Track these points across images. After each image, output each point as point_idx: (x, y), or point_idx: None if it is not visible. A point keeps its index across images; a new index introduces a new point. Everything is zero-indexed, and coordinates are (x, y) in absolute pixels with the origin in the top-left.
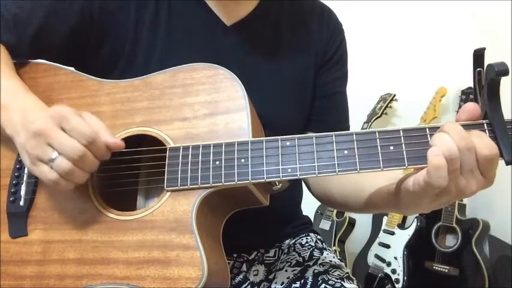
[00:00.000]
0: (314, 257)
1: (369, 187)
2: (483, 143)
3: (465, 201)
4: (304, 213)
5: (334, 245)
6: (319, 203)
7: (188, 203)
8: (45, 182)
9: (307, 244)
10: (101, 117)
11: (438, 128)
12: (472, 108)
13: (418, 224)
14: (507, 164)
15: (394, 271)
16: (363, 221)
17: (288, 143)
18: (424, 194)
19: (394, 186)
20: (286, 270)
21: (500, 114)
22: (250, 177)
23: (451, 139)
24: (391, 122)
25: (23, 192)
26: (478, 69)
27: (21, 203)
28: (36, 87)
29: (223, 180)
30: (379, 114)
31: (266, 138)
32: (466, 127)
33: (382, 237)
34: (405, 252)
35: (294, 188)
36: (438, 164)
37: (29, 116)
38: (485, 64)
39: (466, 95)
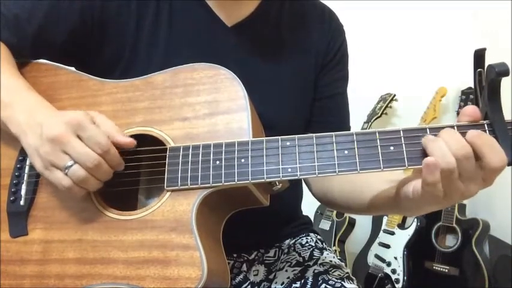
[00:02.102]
0: (314, 257)
1: (369, 191)
2: (495, 154)
3: (465, 201)
4: (304, 213)
5: (334, 245)
6: (319, 203)
7: (188, 202)
8: (59, 188)
9: (307, 244)
10: None
11: (439, 128)
12: (472, 111)
13: (418, 224)
14: (508, 165)
15: (394, 271)
16: (363, 221)
17: (288, 143)
18: (425, 200)
19: (394, 190)
20: (286, 270)
21: (501, 115)
22: (250, 177)
23: (447, 149)
24: (391, 122)
25: (23, 192)
26: (479, 69)
27: (22, 202)
28: (37, 87)
29: (223, 180)
30: (379, 114)
31: (266, 138)
32: (467, 128)
33: (382, 237)
34: (405, 252)
35: (294, 188)
36: (433, 180)
37: (36, 117)
38: (486, 64)
39: (466, 95)
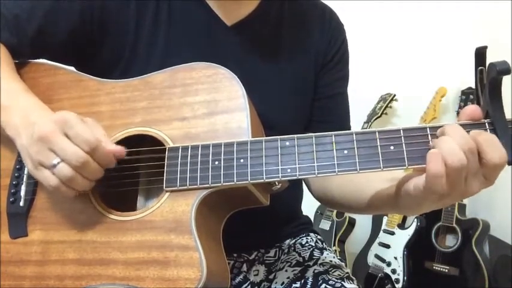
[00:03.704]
0: (314, 257)
1: (369, 189)
2: (495, 151)
3: (465, 201)
4: (304, 213)
5: (334, 245)
6: (319, 203)
7: (187, 203)
8: (46, 187)
9: (307, 244)
10: (100, 117)
11: (439, 127)
12: (473, 110)
13: (418, 224)
14: (508, 164)
15: (394, 271)
16: (363, 221)
17: (287, 143)
18: (425, 198)
19: (395, 189)
20: (286, 270)
21: (502, 114)
22: (249, 178)
23: (458, 147)
24: (391, 122)
25: (22, 193)
26: (480, 67)
27: (21, 203)
28: (36, 87)
29: (222, 180)
30: (379, 114)
31: (265, 138)
32: (468, 127)
33: (382, 237)
34: (405, 252)
35: (294, 188)
36: (436, 173)
37: (30, 118)
38: (487, 63)
39: (466, 95)
